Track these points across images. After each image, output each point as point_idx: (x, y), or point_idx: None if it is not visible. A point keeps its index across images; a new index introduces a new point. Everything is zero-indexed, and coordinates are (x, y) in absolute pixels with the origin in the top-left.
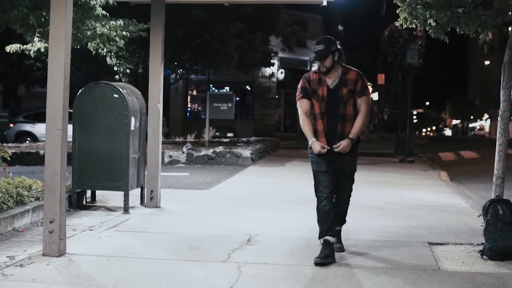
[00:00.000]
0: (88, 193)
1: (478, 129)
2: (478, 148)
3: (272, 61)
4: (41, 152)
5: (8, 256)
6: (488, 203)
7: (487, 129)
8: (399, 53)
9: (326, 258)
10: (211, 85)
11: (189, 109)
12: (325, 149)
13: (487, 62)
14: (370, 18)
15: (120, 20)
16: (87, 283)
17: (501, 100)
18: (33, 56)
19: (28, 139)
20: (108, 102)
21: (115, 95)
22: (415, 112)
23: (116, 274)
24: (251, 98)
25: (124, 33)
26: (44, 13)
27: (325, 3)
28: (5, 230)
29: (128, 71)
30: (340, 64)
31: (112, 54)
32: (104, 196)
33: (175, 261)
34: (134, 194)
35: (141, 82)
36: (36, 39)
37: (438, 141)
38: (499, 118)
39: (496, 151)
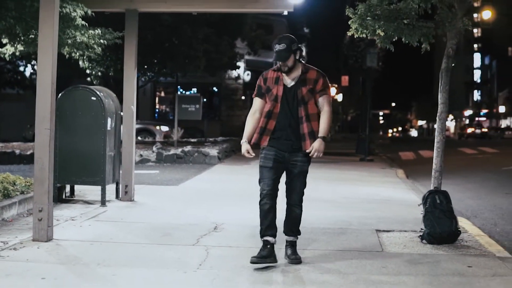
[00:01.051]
0: (67, 188)
1: None
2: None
3: (238, 63)
4: (17, 151)
5: (1, 241)
6: (427, 193)
7: (452, 129)
8: (360, 56)
9: (263, 258)
10: (179, 87)
11: (157, 110)
12: (252, 154)
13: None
14: (333, 21)
15: (98, 29)
16: (74, 262)
17: (439, 103)
18: (7, 59)
19: None
20: (86, 104)
21: (93, 98)
22: (381, 113)
23: (98, 255)
24: (218, 100)
25: (101, 41)
26: (30, 23)
27: (285, 13)
28: None
29: (99, 74)
30: (300, 63)
31: (84, 57)
32: (82, 191)
33: (150, 245)
34: (110, 189)
35: (112, 84)
36: (7, 44)
37: (401, 141)
38: (437, 119)
39: (435, 148)
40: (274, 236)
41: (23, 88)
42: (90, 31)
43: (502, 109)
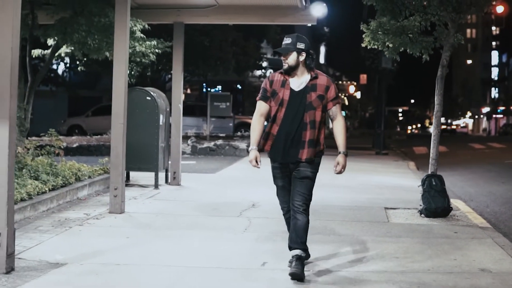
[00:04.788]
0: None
1: (462, 127)
2: (450, 144)
3: (263, 64)
4: (64, 144)
5: (85, 214)
6: (425, 177)
7: (470, 126)
8: (376, 58)
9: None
10: (204, 84)
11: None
12: (258, 165)
13: (469, 61)
14: (352, 21)
15: (154, 40)
16: (147, 227)
17: (435, 104)
18: (54, 60)
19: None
20: (142, 103)
21: (148, 98)
22: (400, 110)
23: (164, 223)
24: (241, 96)
25: (156, 50)
26: (96, 36)
27: (309, 25)
28: (72, 199)
29: (137, 73)
30: (309, 68)
31: (137, 64)
32: (134, 177)
33: (203, 216)
34: (160, 175)
35: (149, 83)
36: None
37: (417, 137)
38: (434, 116)
39: (432, 140)
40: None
41: (56, 85)
42: (147, 42)
43: None
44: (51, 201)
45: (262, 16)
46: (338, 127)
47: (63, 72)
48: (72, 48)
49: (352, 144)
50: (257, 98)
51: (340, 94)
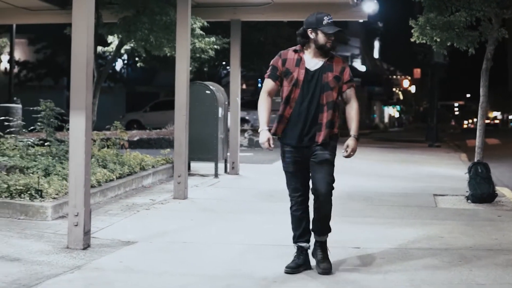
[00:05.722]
0: None
1: None
2: (503, 137)
3: None
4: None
5: (150, 199)
6: (471, 164)
7: None
8: (428, 52)
9: (297, 267)
10: (259, 80)
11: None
12: (271, 146)
13: None
14: (405, 16)
15: (213, 37)
16: (209, 211)
17: (480, 95)
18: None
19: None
20: (202, 96)
21: (207, 91)
22: (456, 104)
23: (225, 207)
24: None
25: (215, 46)
26: (159, 34)
27: (361, 21)
28: (138, 186)
29: (195, 69)
30: None
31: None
32: (195, 168)
33: (261, 202)
34: (219, 166)
35: (206, 79)
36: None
37: (472, 131)
38: (479, 107)
39: (477, 130)
40: (308, 241)
41: (114, 82)
42: (206, 39)
43: None
44: (118, 188)
45: None
46: (352, 111)
47: (121, 69)
48: (134, 45)
49: (407, 137)
50: (266, 76)
51: (394, 89)
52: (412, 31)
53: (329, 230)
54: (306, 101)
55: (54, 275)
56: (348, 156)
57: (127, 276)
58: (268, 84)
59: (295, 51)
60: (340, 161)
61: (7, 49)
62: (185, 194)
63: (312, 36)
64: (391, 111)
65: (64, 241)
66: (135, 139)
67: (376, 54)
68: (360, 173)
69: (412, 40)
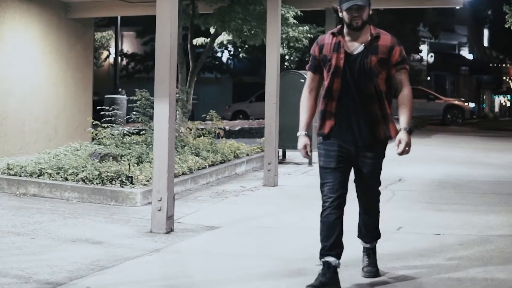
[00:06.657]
0: (280, 152)
1: None
2: None
3: (420, 47)
4: (226, 127)
5: (240, 186)
6: None
7: None
8: None
9: (321, 286)
10: None
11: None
12: (308, 154)
13: None
14: None
15: (306, 26)
16: (297, 197)
17: None
18: (216, 48)
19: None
20: (296, 85)
21: (301, 80)
22: None
23: (313, 194)
24: None
25: (309, 35)
26: (252, 23)
27: (458, 7)
28: (230, 174)
29: (296, 59)
30: (369, 25)
31: (284, 44)
32: (291, 156)
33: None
34: (314, 154)
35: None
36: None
37: None
38: None
39: None
40: (339, 256)
41: (220, 72)
42: (299, 28)
43: None
44: (210, 175)
45: (409, 0)
46: (403, 98)
47: (227, 60)
48: (231, 35)
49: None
50: (306, 68)
51: (504, 78)
52: (506, 17)
53: (378, 236)
54: (351, 92)
55: (132, 257)
56: (402, 153)
57: (203, 258)
58: (309, 78)
59: (333, 34)
60: (438, 150)
61: (113, 42)
62: (275, 181)
63: (340, 15)
64: (502, 100)
65: (148, 226)
66: (237, 128)
67: (486, 43)
68: (457, 161)
69: (506, 26)
